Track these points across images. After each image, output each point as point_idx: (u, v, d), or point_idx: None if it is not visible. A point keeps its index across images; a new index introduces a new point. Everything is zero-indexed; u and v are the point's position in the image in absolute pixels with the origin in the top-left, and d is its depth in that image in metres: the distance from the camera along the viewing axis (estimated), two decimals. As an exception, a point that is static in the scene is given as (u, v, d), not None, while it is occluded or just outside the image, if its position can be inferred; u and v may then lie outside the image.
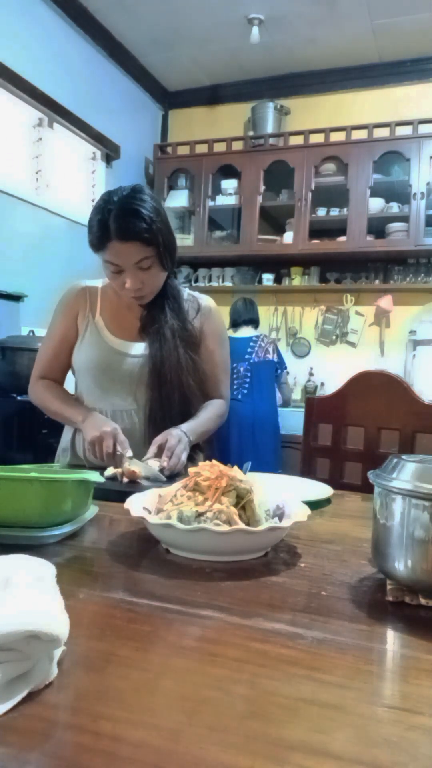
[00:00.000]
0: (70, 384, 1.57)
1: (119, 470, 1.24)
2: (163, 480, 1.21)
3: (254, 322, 3.60)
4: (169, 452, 1.28)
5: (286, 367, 3.65)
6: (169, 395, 1.40)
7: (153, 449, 1.30)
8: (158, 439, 1.31)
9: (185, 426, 1.37)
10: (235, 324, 3.57)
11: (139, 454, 1.30)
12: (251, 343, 3.49)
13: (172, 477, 1.26)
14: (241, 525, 0.77)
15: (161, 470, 1.25)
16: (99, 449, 1.28)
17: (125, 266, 1.32)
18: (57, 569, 0.57)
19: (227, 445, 3.31)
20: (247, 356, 3.45)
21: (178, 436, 1.32)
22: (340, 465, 1.69)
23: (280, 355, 3.59)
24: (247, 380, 3.42)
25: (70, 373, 1.55)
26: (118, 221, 1.27)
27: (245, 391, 3.41)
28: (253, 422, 3.39)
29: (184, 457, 1.31)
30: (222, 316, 1.58)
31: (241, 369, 3.41)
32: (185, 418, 1.42)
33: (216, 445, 3.35)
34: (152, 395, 1.41)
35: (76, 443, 1.50)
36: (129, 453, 1.27)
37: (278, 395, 3.58)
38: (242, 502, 0.83)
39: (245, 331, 3.55)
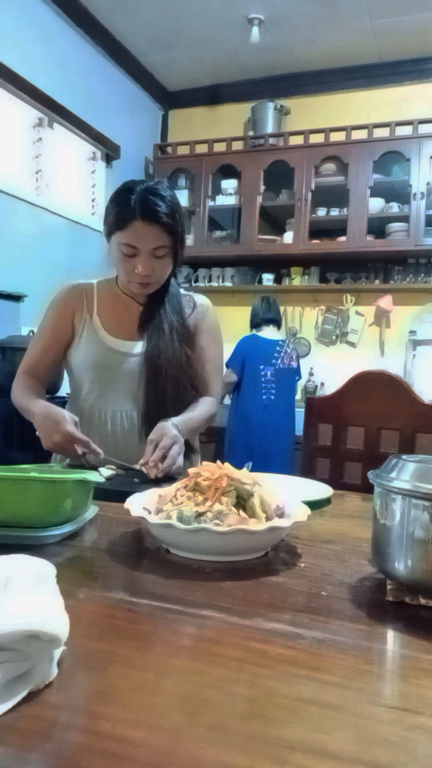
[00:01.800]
0: (66, 385, 1.57)
1: (116, 471, 1.25)
2: (147, 478, 1.20)
3: (275, 322, 3.57)
4: (162, 451, 1.22)
5: (301, 376, 3.70)
6: (163, 388, 1.39)
7: (149, 449, 1.24)
8: (153, 438, 1.26)
9: (177, 419, 1.32)
10: (256, 324, 3.56)
11: (138, 454, 1.28)
12: (278, 347, 3.47)
13: (166, 479, 1.21)
14: (241, 525, 0.77)
15: (150, 473, 1.21)
16: (61, 454, 1.27)
17: (142, 250, 1.33)
18: (57, 569, 0.57)
19: (247, 448, 3.29)
20: (273, 360, 3.43)
21: (173, 437, 1.26)
22: (340, 465, 1.69)
23: (299, 363, 3.61)
24: (273, 386, 3.40)
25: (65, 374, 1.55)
26: (146, 202, 1.29)
27: (272, 398, 3.40)
28: (275, 430, 3.37)
29: (180, 459, 1.26)
30: (217, 316, 1.57)
31: (268, 374, 3.40)
32: (179, 413, 1.40)
33: (235, 449, 3.35)
34: (147, 388, 1.40)
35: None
36: (97, 449, 1.25)
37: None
38: (243, 502, 0.83)
39: (269, 332, 3.52)
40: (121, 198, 1.32)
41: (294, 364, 3.51)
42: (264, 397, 3.38)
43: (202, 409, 1.44)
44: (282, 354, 3.46)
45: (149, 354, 1.40)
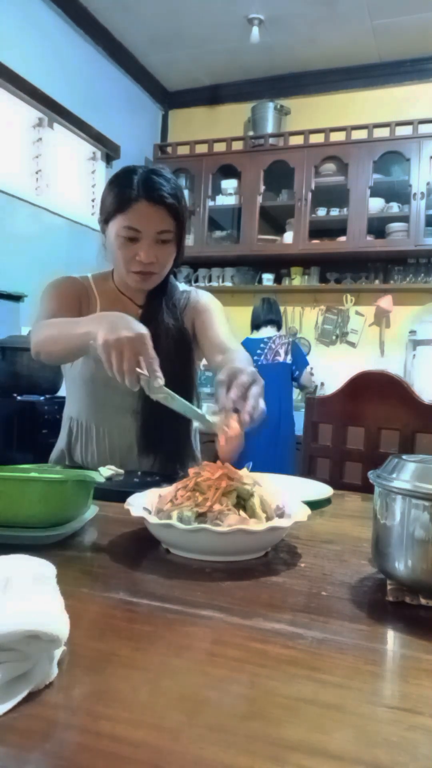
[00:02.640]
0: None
1: (115, 471, 1.21)
2: (146, 480, 1.10)
3: (274, 322, 3.55)
4: (241, 389, 0.93)
5: (306, 364, 3.51)
6: (159, 405, 1.30)
7: (221, 392, 0.95)
8: (223, 378, 0.97)
9: (238, 364, 1.03)
10: (257, 326, 3.54)
11: (132, 461, 1.25)
12: (261, 345, 3.44)
13: (166, 479, 1.16)
14: (241, 525, 0.77)
15: (230, 424, 0.91)
16: (116, 361, 0.96)
17: (145, 233, 1.24)
18: (57, 569, 0.57)
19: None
20: (255, 358, 3.36)
21: (252, 374, 0.97)
22: (340, 465, 1.69)
23: (296, 354, 3.47)
24: None
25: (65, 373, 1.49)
26: (150, 182, 1.23)
27: None
28: (264, 426, 3.31)
29: (261, 402, 0.95)
30: (215, 299, 1.47)
31: None
32: (177, 431, 1.35)
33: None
34: (144, 407, 1.32)
35: (73, 449, 1.44)
36: (161, 381, 0.97)
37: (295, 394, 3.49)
38: (243, 502, 0.83)
39: (267, 332, 3.50)
40: (123, 179, 1.24)
41: (280, 358, 3.41)
42: None
43: (242, 355, 1.24)
44: (265, 350, 3.42)
45: None
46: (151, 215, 1.23)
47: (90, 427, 1.40)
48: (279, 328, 3.59)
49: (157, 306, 1.37)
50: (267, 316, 3.54)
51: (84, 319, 1.09)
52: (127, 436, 1.38)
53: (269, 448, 3.23)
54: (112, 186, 1.27)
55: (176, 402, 0.98)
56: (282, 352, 3.43)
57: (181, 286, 1.48)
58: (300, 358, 3.50)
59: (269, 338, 3.48)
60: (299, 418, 3.50)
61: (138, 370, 0.95)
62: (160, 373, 0.97)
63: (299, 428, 3.39)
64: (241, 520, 0.79)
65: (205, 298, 1.46)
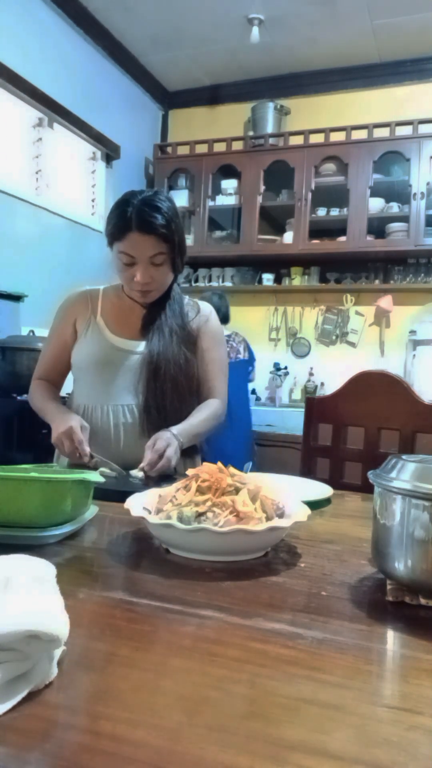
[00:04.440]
0: (68, 383, 1.58)
1: (111, 473, 1.29)
2: (136, 482, 1.25)
3: (225, 319, 3.55)
4: (156, 454, 1.29)
5: (253, 366, 3.71)
6: (162, 386, 1.43)
7: (147, 454, 1.31)
8: (149, 443, 1.33)
9: (177, 428, 1.38)
10: None
11: (139, 447, 1.34)
12: None
13: (166, 479, 1.26)
14: (241, 525, 0.77)
15: (143, 472, 1.28)
16: (62, 449, 1.35)
17: (139, 259, 1.37)
18: (57, 569, 0.57)
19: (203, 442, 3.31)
20: None
21: (168, 440, 1.33)
22: (340, 465, 1.69)
23: (251, 352, 3.61)
24: None
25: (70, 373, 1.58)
26: (141, 214, 1.34)
27: None
28: (229, 423, 3.37)
29: (173, 461, 1.31)
30: (219, 323, 1.62)
31: None
32: (178, 412, 1.44)
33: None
34: (147, 386, 1.44)
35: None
36: (86, 450, 1.31)
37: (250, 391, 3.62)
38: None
39: None
40: (119, 210, 1.37)
41: (242, 356, 3.52)
42: None
43: (203, 414, 1.48)
44: (227, 349, 3.48)
45: (149, 354, 1.45)
46: (142, 243, 1.36)
47: (95, 407, 1.48)
48: (226, 323, 3.60)
49: (161, 308, 1.49)
50: (221, 312, 3.56)
51: (50, 415, 1.44)
52: (131, 415, 1.45)
53: (228, 439, 3.36)
54: (111, 215, 1.41)
55: (104, 464, 1.31)
56: (241, 349, 3.53)
57: (186, 298, 1.58)
58: (252, 355, 3.65)
59: (228, 336, 3.50)
60: (291, 417, 3.59)
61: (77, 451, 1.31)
62: (87, 449, 1.32)
63: (292, 427, 3.48)
64: (241, 520, 0.79)
65: (213, 323, 1.57)
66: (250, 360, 3.61)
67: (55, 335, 1.55)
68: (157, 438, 1.33)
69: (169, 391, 1.43)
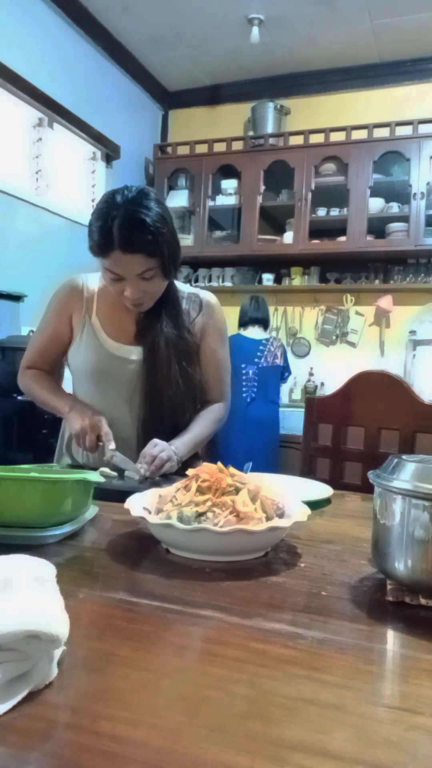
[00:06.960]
0: (67, 383, 1.57)
1: (111, 474, 1.25)
2: (135, 478, 1.23)
3: (261, 322, 3.58)
4: (151, 458, 1.26)
5: (290, 372, 3.73)
6: (160, 409, 1.39)
7: (140, 460, 1.28)
8: (144, 451, 1.29)
9: (177, 441, 1.34)
10: (243, 323, 3.58)
11: (134, 459, 1.29)
12: (261, 347, 3.51)
13: (166, 479, 1.25)
14: (241, 525, 0.77)
15: (141, 474, 1.24)
16: (83, 441, 1.31)
17: (127, 276, 1.27)
18: (57, 569, 0.57)
19: (228, 445, 3.32)
20: (256, 360, 3.47)
21: (163, 447, 1.29)
22: (340, 465, 1.69)
23: (286, 360, 3.64)
24: (255, 384, 3.46)
25: (67, 372, 1.54)
26: (123, 231, 1.21)
27: (253, 395, 3.46)
28: (257, 427, 3.42)
29: (167, 466, 1.27)
30: (223, 313, 1.55)
31: (250, 372, 3.45)
32: (176, 429, 1.40)
33: (217, 447, 3.37)
34: (145, 406, 1.39)
35: (72, 448, 1.49)
36: (112, 445, 1.28)
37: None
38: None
39: (254, 332, 3.54)
40: (99, 223, 1.24)
41: (278, 361, 3.54)
42: (245, 394, 3.43)
43: (205, 419, 1.45)
44: (265, 352, 3.51)
45: (147, 374, 1.39)
46: (128, 262, 1.25)
47: None
48: (266, 328, 3.62)
49: (157, 314, 1.39)
50: (254, 314, 3.57)
51: (63, 402, 1.42)
52: (128, 427, 1.40)
53: (257, 444, 3.42)
54: (91, 227, 1.27)
55: (118, 458, 1.27)
56: (279, 354, 3.56)
57: (186, 288, 1.50)
58: (287, 363, 3.68)
59: (267, 340, 3.55)
60: (291, 417, 3.60)
61: (99, 443, 1.31)
62: (113, 444, 1.29)
63: (292, 427, 3.50)
64: (241, 520, 0.79)
65: (218, 318, 1.51)
66: (286, 366, 3.63)
67: (50, 326, 1.47)
68: (153, 444, 1.29)
69: (167, 411, 1.39)
